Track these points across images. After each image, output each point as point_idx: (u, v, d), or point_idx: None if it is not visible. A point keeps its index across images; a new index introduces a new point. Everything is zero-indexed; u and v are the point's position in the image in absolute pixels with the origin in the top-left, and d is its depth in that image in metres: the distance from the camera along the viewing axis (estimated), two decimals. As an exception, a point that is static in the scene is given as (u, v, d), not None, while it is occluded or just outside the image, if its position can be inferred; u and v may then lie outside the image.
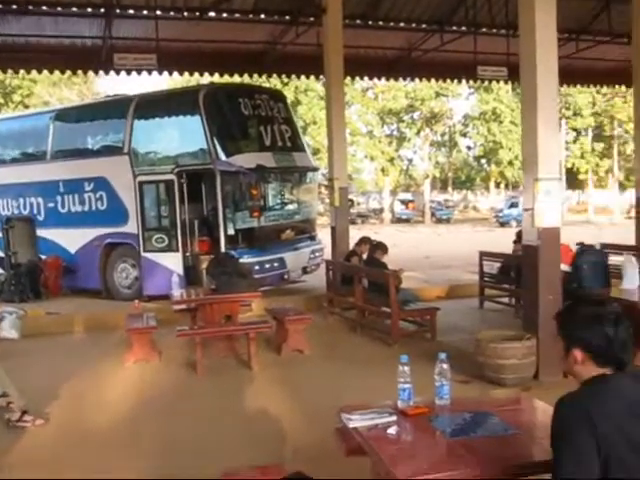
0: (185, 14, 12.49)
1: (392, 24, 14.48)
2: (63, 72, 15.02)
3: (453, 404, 3.49)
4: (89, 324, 10.80)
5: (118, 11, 12.42)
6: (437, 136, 52.29)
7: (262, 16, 13.41)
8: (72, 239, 13.34)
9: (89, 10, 12.42)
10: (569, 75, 15.80)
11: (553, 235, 6.98)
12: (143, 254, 12.33)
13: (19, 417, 6.09)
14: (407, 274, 10.63)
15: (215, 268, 9.10)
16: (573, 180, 49.61)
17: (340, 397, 5.15)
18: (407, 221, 47.18)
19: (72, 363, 8.50)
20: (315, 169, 14.08)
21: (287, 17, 13.44)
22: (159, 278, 11.75)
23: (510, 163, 46.89)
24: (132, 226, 12.44)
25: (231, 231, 11.65)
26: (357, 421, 3.26)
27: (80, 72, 15.20)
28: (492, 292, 11.70)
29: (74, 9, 12.29)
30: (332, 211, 12.73)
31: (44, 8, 12.03)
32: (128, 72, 12.88)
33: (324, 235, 13.57)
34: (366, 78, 18.53)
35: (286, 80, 25.34)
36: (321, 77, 14.52)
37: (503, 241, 16.08)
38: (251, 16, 13.26)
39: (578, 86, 22.56)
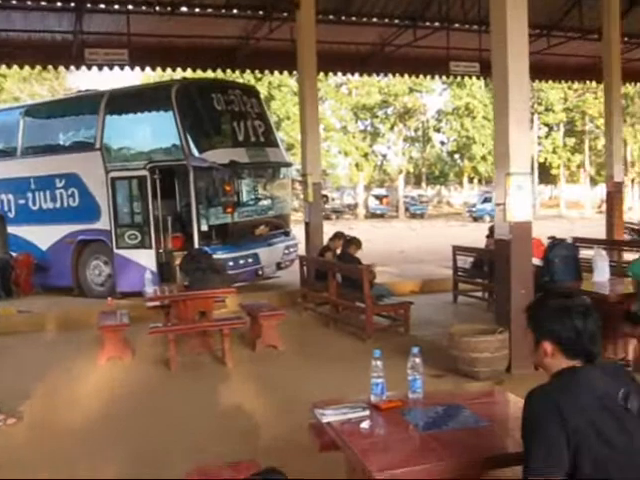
0: (157, 9, 12.40)
1: (365, 19, 14.53)
2: (33, 67, 14.81)
3: (426, 398, 3.51)
4: (61, 322, 10.69)
5: (89, 5, 12.25)
6: (411, 131, 52.48)
7: (235, 11, 13.35)
8: (44, 236, 13.18)
9: (59, 4, 12.27)
10: (541, 71, 15.97)
11: (525, 229, 7.05)
12: (116, 251, 12.22)
13: (-10, 416, 6.02)
14: (381, 269, 10.67)
15: (189, 264, 9.05)
16: (545, 175, 50.07)
17: (314, 392, 5.15)
18: (381, 216, 47.28)
19: (45, 362, 8.41)
20: (289, 164, 14.06)
21: (260, 12, 13.39)
22: (132, 275, 11.68)
23: (483, 158, 47.18)
24: (105, 223, 12.32)
25: (205, 227, 11.60)
26: (330, 416, 3.27)
27: (51, 67, 15.02)
28: (465, 286, 11.81)
29: (44, 3, 12.14)
30: (306, 207, 12.74)
31: (14, 2, 11.90)
32: (99, 67, 12.78)
33: (299, 231, 13.57)
34: (339, 73, 18.55)
35: (259, 75, 25.33)
36: (294, 72, 14.52)
37: (476, 236, 16.22)
38: (224, 11, 13.20)
39: (550, 82, 22.78)
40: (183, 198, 12.16)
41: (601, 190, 37.49)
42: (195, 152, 11.52)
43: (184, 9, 12.77)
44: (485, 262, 10.99)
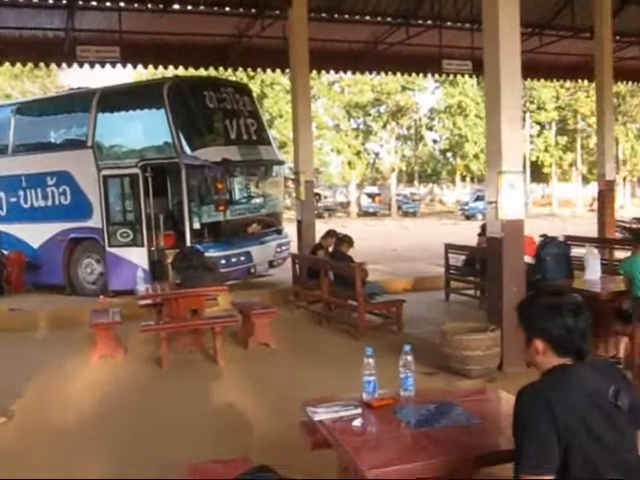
0: (149, 6, 12.34)
1: (358, 17, 14.51)
2: (25, 64, 14.77)
3: (417, 395, 3.52)
4: (53, 320, 10.64)
5: (81, 3, 12.23)
6: (403, 130, 52.45)
7: (227, 9, 13.32)
8: (35, 234, 13.13)
9: (51, 1, 12.24)
10: (533, 69, 16.03)
11: (517, 227, 7.07)
12: (108, 249, 12.18)
13: (-19, 415, 6.00)
14: (373, 267, 10.68)
15: (181, 262, 9.03)
16: (538, 173, 50.17)
17: (306, 390, 5.15)
18: (374, 214, 47.31)
19: (36, 360, 8.38)
20: (281, 162, 14.04)
21: (252, 10, 13.36)
22: (124, 273, 11.63)
23: (475, 156, 47.20)
24: (96, 221, 12.28)
25: (197, 225, 11.57)
26: (322, 414, 3.27)
27: (42, 65, 14.92)
28: (457, 284, 11.81)
29: (36, 0, 12.10)
30: (298, 205, 12.73)
31: (5, -1, 11.86)
32: (91, 65, 12.75)
33: (291, 229, 13.56)
34: (332, 71, 18.55)
35: (252, 73, 25.26)
36: (287, 70, 14.48)
37: (468, 234, 16.24)
38: (216, 9, 13.14)
39: (542, 80, 22.85)
40: (175, 196, 12.12)
41: (593, 188, 37.55)
42: (187, 150, 11.49)
43: (176, 6, 12.71)
44: (477, 260, 11.00)
